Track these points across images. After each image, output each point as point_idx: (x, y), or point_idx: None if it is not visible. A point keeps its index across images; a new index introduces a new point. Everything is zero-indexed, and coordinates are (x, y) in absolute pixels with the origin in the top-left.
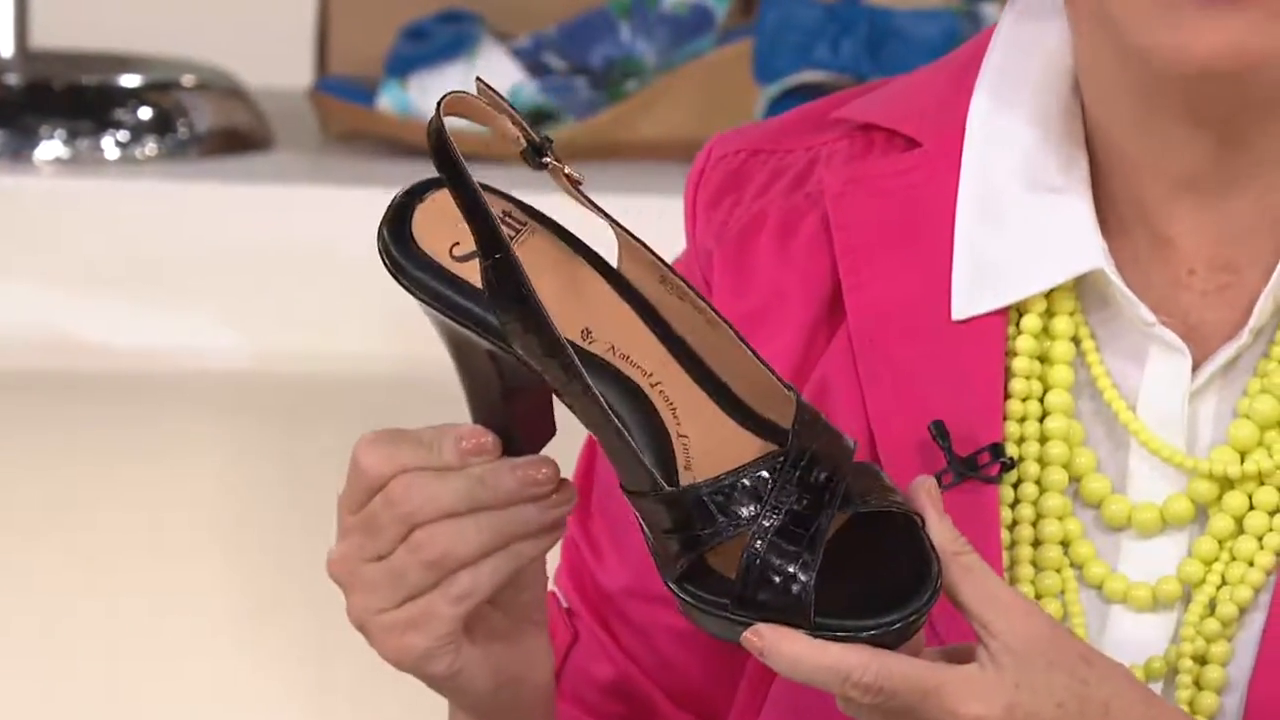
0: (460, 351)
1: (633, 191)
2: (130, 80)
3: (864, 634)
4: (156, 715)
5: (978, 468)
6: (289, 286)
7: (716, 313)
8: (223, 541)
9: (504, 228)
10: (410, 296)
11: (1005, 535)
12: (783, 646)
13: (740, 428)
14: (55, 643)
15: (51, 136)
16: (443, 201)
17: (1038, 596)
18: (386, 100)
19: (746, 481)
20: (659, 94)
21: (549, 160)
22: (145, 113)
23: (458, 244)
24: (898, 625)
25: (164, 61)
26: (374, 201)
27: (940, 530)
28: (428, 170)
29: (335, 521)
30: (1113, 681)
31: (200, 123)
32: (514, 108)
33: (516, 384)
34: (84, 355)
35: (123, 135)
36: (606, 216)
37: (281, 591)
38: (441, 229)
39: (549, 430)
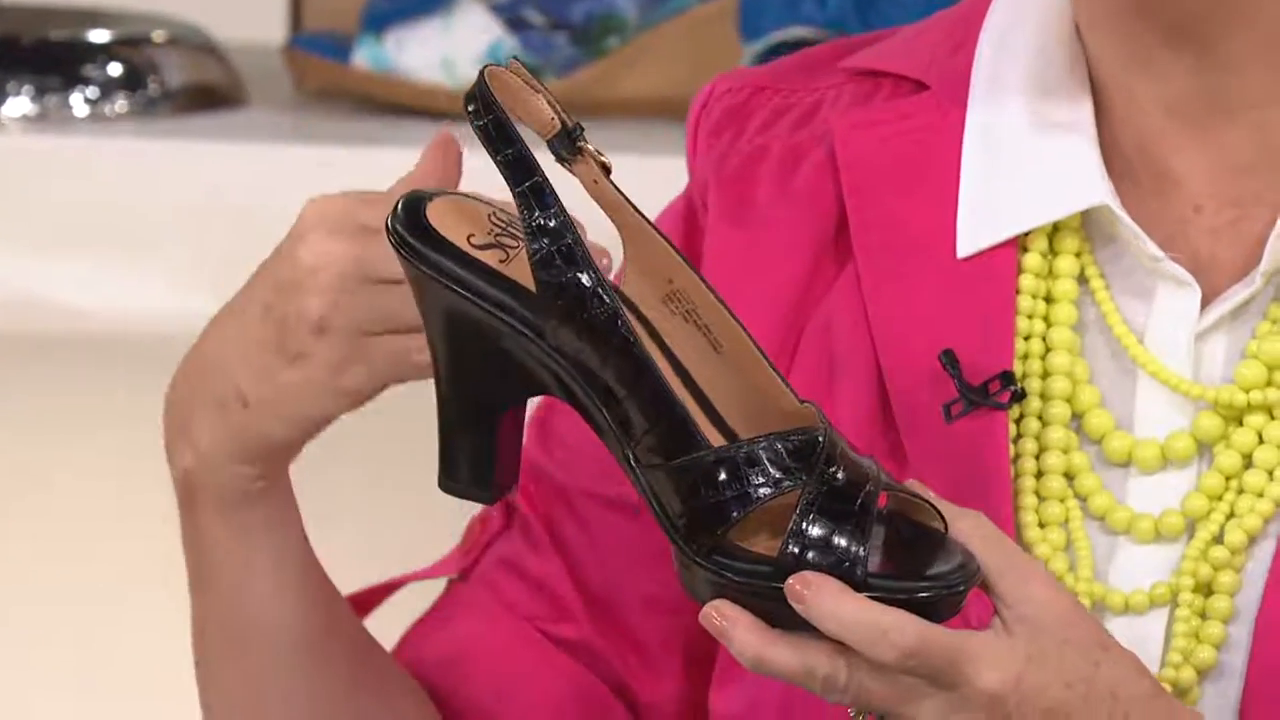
0: (463, 352)
1: (614, 150)
2: (99, 35)
3: (918, 595)
4: (127, 684)
5: (988, 395)
6: (264, 246)
7: (732, 315)
8: None
9: (509, 237)
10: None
11: (1010, 468)
12: (825, 595)
13: None
14: (24, 609)
15: (19, 93)
16: (451, 203)
17: (1041, 525)
18: (362, 56)
19: (798, 440)
20: (641, 51)
21: (583, 145)
22: (115, 69)
23: (473, 235)
24: (946, 592)
25: (134, 16)
26: (350, 159)
27: (947, 510)
28: (404, 127)
29: (310, 488)
30: (1123, 669)
31: (172, 79)
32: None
33: (509, 396)
34: (53, 317)
35: (92, 92)
36: (633, 207)
37: None
38: (455, 223)
39: (516, 473)
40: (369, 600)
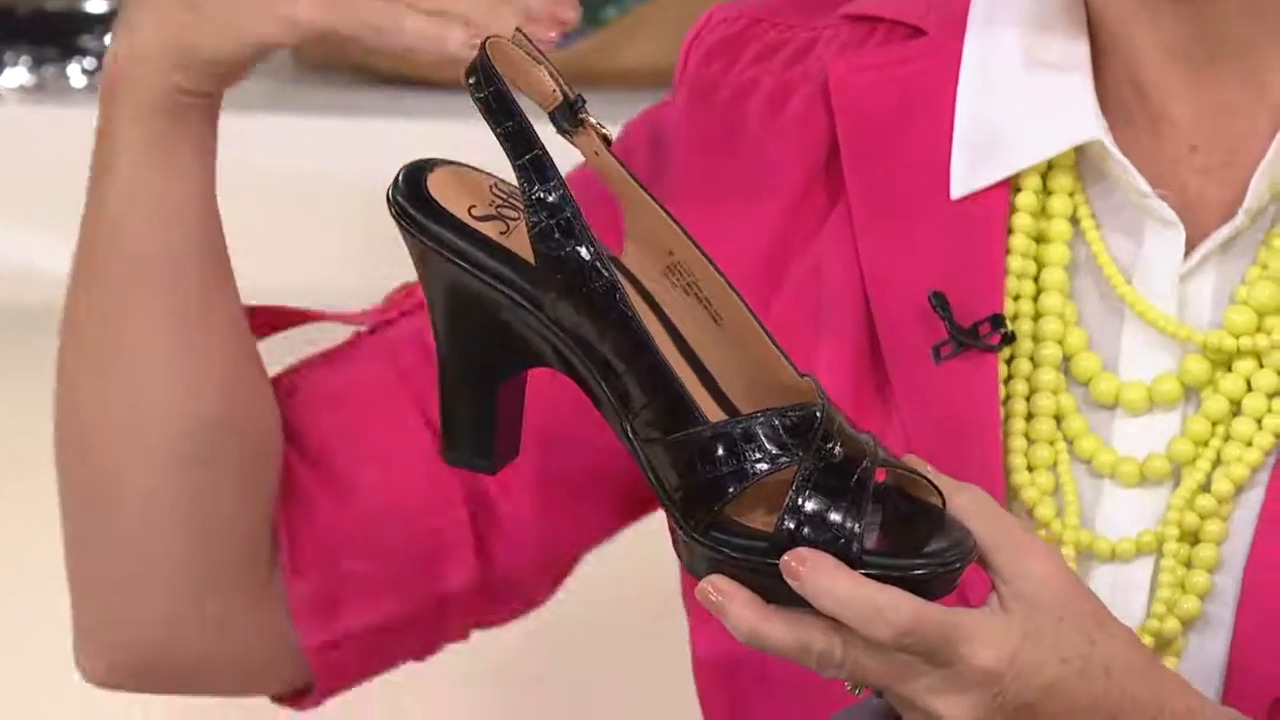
0: (463, 323)
1: (613, 120)
2: (97, 6)
3: (913, 572)
4: None
5: (978, 337)
6: (259, 217)
7: (732, 288)
8: None
9: (510, 209)
10: (406, 254)
11: (999, 411)
12: (820, 573)
13: None
14: (23, 578)
15: (16, 64)
16: (452, 173)
17: (1030, 469)
18: None
19: (796, 417)
20: (640, 21)
21: (584, 117)
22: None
23: (474, 206)
24: (941, 569)
25: None
26: (349, 130)
27: (944, 485)
28: (404, 98)
29: None
30: (1117, 644)
31: None
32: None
33: (508, 367)
34: (51, 288)
35: (89, 62)
36: (634, 179)
37: None
38: (455, 194)
39: (518, 443)
40: (270, 321)
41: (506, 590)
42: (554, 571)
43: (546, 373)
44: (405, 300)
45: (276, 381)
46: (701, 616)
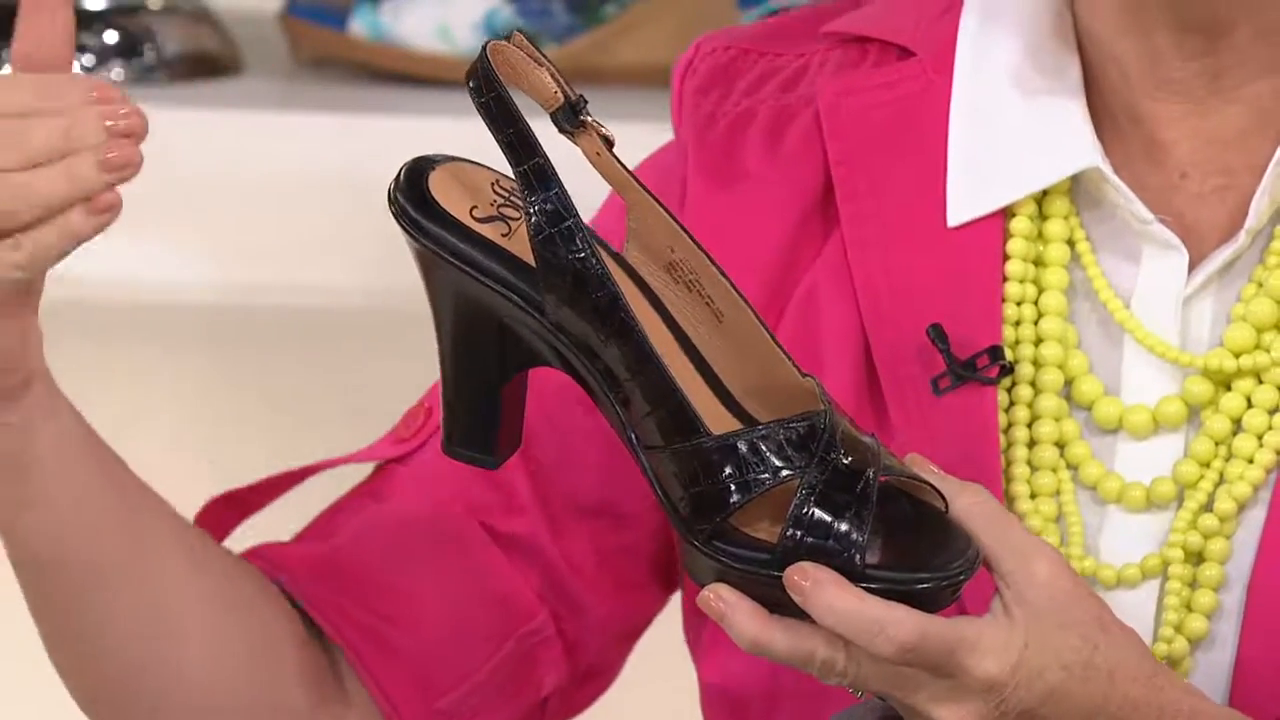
0: (465, 323)
1: (612, 118)
2: (95, 2)
3: (916, 586)
4: None
5: (976, 370)
6: (258, 215)
7: (734, 288)
8: (187, 479)
9: (511, 208)
10: (405, 252)
11: (1001, 439)
12: (823, 589)
13: (738, 421)
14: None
15: None
16: (454, 170)
17: (1033, 496)
18: (359, 24)
19: (799, 428)
20: (638, 18)
21: (586, 119)
22: (111, 36)
23: (476, 207)
24: (945, 583)
25: None
26: (346, 128)
27: (948, 487)
28: (401, 95)
29: (303, 457)
30: (1121, 650)
31: (168, 47)
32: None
33: (511, 366)
34: (48, 285)
35: (88, 59)
36: (635, 179)
37: (247, 530)
38: (457, 194)
39: (519, 435)
40: (275, 487)
41: (592, 675)
42: (628, 645)
43: (596, 442)
44: (428, 421)
45: (300, 536)
46: (707, 644)
